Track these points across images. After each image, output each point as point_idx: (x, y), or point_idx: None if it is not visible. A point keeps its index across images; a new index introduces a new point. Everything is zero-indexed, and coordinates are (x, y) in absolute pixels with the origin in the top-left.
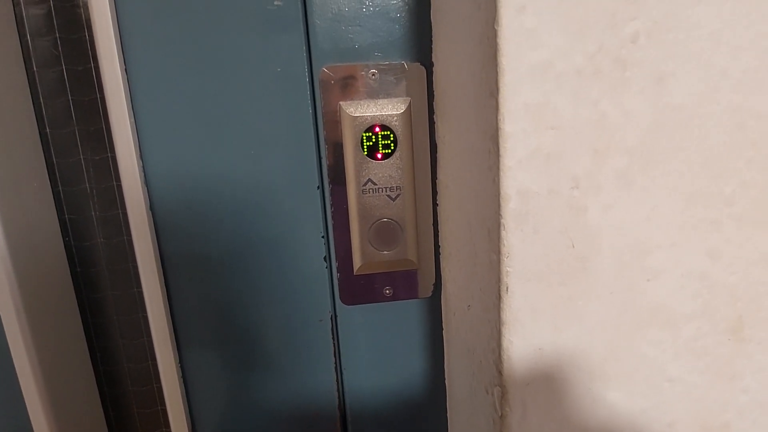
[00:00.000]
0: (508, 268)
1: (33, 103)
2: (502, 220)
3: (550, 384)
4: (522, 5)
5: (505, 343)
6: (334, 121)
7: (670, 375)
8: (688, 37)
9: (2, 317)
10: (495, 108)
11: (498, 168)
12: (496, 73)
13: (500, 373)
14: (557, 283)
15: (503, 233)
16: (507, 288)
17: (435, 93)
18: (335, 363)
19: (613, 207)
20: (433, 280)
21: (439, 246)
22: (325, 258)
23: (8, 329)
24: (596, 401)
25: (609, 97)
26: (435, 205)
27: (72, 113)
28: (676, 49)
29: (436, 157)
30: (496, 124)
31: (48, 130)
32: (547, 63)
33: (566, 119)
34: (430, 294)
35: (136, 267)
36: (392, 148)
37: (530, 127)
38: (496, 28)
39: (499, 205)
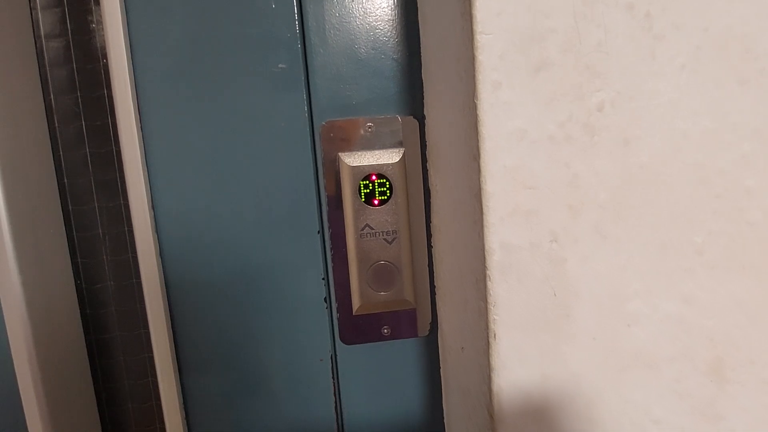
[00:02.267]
0: (495, 316)
1: (53, 154)
2: (488, 272)
3: (539, 428)
4: (498, 81)
5: (494, 387)
6: (333, 170)
7: (655, 417)
8: (649, 105)
9: (15, 360)
10: (477, 170)
11: (482, 224)
12: (477, 139)
13: (491, 417)
14: (542, 330)
15: (489, 284)
16: (495, 335)
17: (427, 144)
18: (335, 401)
19: (590, 258)
20: (430, 319)
21: (435, 287)
22: (325, 299)
23: (18, 367)
24: None
25: (580, 159)
26: (429, 247)
27: (89, 163)
28: (639, 115)
29: (429, 203)
30: (479, 184)
31: (66, 180)
32: (523, 131)
33: (542, 180)
34: (428, 333)
35: (143, 308)
36: (388, 194)
37: (509, 187)
38: (476, 101)
39: (484, 258)
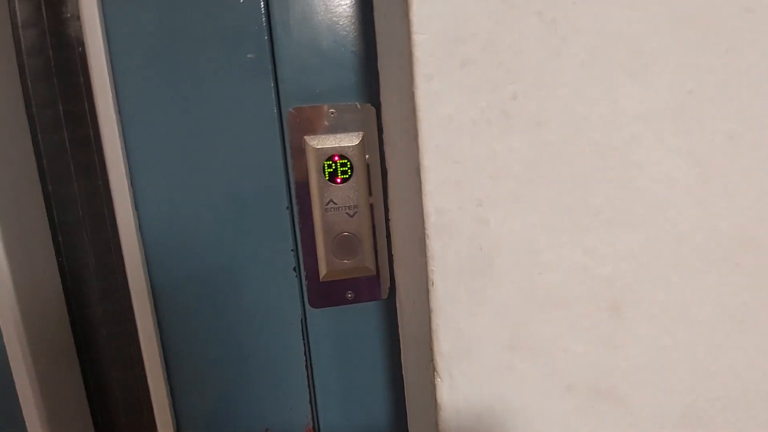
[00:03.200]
0: (432, 268)
1: (32, 138)
2: (426, 231)
3: (469, 357)
4: (430, 74)
5: (433, 326)
6: (299, 151)
7: (564, 346)
8: (555, 94)
9: (4, 335)
10: (417, 148)
11: (421, 192)
12: (416, 122)
13: (431, 350)
14: (470, 278)
15: (428, 241)
16: (432, 283)
17: (383, 128)
18: (305, 360)
19: (508, 218)
20: (389, 284)
21: (392, 254)
22: (294, 268)
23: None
24: (507, 369)
25: (498, 139)
26: (387, 220)
27: (67, 148)
28: (547, 103)
29: (386, 180)
30: (418, 160)
31: (45, 163)
32: (451, 116)
33: (467, 156)
34: (387, 296)
35: (124, 283)
36: (349, 173)
37: (441, 162)
38: (413, 90)
39: (423, 220)
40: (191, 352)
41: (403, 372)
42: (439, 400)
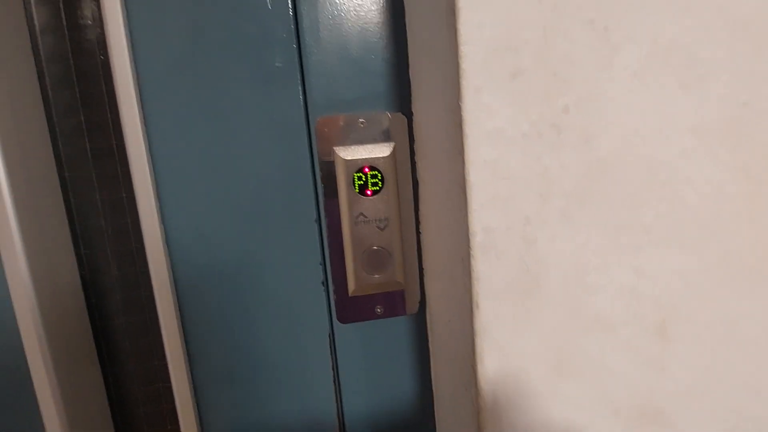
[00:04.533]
0: (477, 290)
1: (54, 148)
2: (471, 251)
3: (514, 380)
4: (479, 86)
5: (477, 349)
6: (328, 163)
7: (611, 369)
8: (606, 106)
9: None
10: (462, 163)
11: (466, 210)
12: (462, 137)
13: (475, 373)
14: (516, 300)
15: (473, 261)
16: (477, 305)
17: (415, 138)
18: (333, 375)
19: (556, 238)
20: (419, 299)
21: (423, 269)
22: (323, 282)
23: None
24: (553, 393)
25: (548, 153)
26: (418, 233)
27: (90, 159)
28: (598, 116)
29: (418, 193)
30: (463, 175)
31: (67, 173)
32: (500, 129)
33: (516, 171)
34: (416, 311)
35: (146, 296)
36: (380, 185)
37: (489, 178)
38: (460, 103)
39: (468, 239)
40: (217, 365)
41: (434, 389)
42: (482, 423)
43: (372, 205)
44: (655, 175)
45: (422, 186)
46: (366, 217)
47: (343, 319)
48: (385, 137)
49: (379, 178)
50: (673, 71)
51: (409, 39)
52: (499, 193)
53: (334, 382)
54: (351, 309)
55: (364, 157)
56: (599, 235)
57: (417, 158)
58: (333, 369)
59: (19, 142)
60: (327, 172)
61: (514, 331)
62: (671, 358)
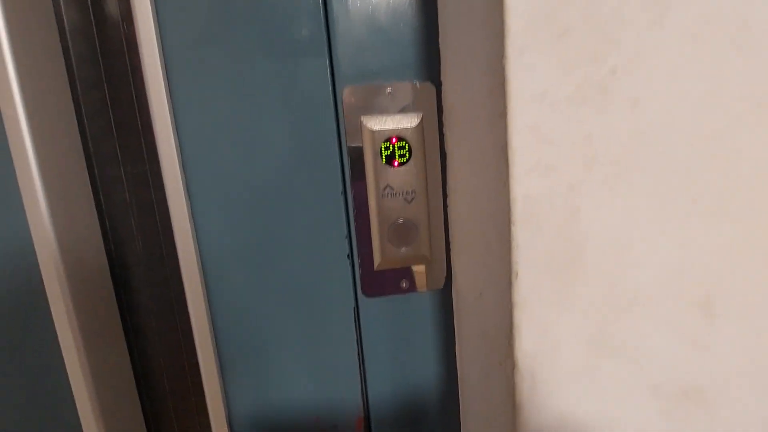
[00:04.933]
0: (517, 259)
1: (78, 122)
2: (512, 218)
3: (553, 355)
4: (524, 46)
5: (515, 322)
6: (355, 133)
7: (651, 346)
8: (656, 69)
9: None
10: (504, 127)
11: (507, 176)
12: (504, 98)
13: (512, 348)
14: (557, 271)
15: (513, 229)
16: (517, 275)
17: (444, 108)
18: (358, 350)
19: (600, 208)
20: (445, 273)
21: (450, 243)
22: (348, 255)
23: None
24: (591, 368)
25: (594, 118)
26: (445, 206)
27: (114, 131)
28: (647, 79)
29: (445, 165)
30: (506, 140)
31: (91, 146)
32: (544, 91)
33: (560, 137)
34: (442, 286)
35: (170, 270)
36: (407, 156)
37: (532, 143)
38: (503, 63)
39: (509, 207)
40: (242, 338)
41: (459, 367)
42: (518, 399)
43: (399, 177)
44: (705, 143)
45: (450, 157)
46: (393, 189)
47: (368, 293)
48: (413, 107)
49: (407, 149)
50: (727, 34)
51: (439, 4)
52: (542, 159)
53: (358, 356)
54: (376, 283)
55: (391, 127)
56: (644, 206)
57: (445, 129)
58: (357, 343)
59: (45, 120)
60: (354, 143)
61: (554, 304)
62: (715, 336)
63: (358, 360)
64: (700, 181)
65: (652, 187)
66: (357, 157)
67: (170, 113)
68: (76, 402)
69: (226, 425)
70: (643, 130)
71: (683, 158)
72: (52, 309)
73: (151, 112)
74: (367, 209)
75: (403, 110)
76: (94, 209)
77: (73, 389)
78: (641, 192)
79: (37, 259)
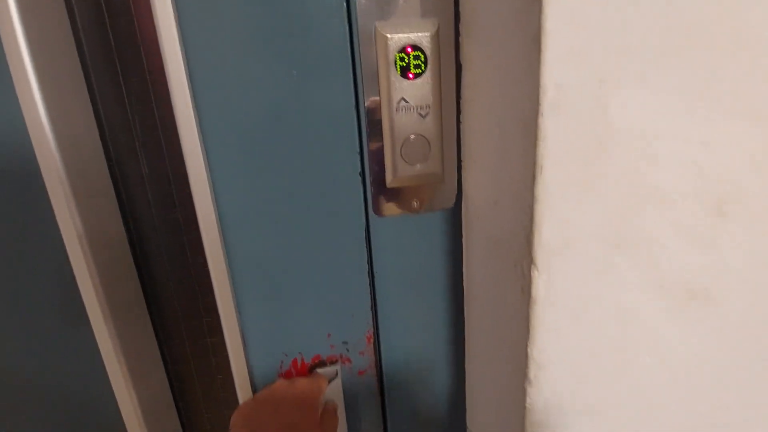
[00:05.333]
0: (543, 150)
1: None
2: (541, 108)
3: (570, 250)
4: None
5: (536, 218)
6: (369, 41)
7: (663, 243)
8: None
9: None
10: (539, 10)
11: (539, 62)
12: None
13: (530, 245)
14: (581, 166)
15: (540, 119)
16: (541, 168)
17: (462, 15)
18: (368, 268)
19: (629, 102)
20: (455, 192)
21: (462, 159)
22: (360, 173)
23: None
24: (606, 265)
25: (631, 5)
26: (458, 122)
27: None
28: None
29: (460, 77)
30: (539, 23)
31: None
32: None
33: (596, 22)
34: (452, 205)
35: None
36: (423, 68)
37: (567, 27)
38: None
39: (538, 96)
40: (254, 258)
41: (465, 278)
42: (534, 294)
43: (414, 90)
44: (739, 39)
45: (467, 68)
46: (407, 102)
47: (379, 212)
48: (430, 13)
49: (423, 59)
50: None
51: None
52: (575, 46)
53: (369, 275)
54: (388, 201)
55: (407, 35)
56: (672, 102)
57: (462, 38)
58: (368, 263)
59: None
60: (367, 51)
61: (576, 200)
62: (725, 238)
63: (368, 278)
64: (729, 77)
65: (682, 83)
66: (370, 66)
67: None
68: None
69: (241, 345)
70: (679, 23)
71: (716, 53)
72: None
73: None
74: (380, 123)
75: (419, 16)
76: (109, 177)
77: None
78: (672, 88)
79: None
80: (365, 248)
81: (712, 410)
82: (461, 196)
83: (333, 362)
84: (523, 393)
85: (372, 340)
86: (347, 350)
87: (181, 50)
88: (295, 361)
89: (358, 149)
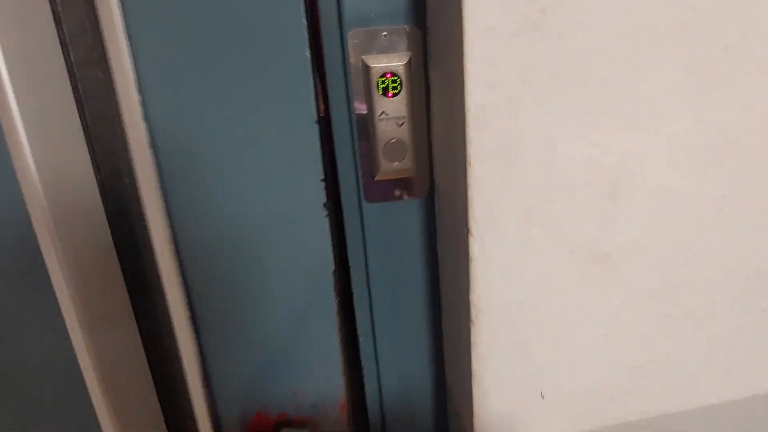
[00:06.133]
0: (470, 152)
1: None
2: (467, 121)
3: (496, 224)
4: None
5: (470, 197)
6: (358, 70)
7: (570, 220)
8: (577, 8)
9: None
10: (461, 55)
11: (463, 91)
12: (461, 34)
13: (467, 218)
14: (500, 163)
15: (467, 130)
16: (470, 164)
17: (428, 48)
18: (362, 241)
19: (533, 115)
20: (429, 184)
21: (432, 160)
22: (354, 168)
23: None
24: (525, 236)
25: (529, 46)
26: (428, 130)
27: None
28: (569, 16)
29: (428, 95)
30: (462, 65)
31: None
32: (491, 27)
33: (503, 61)
34: (426, 195)
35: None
36: (399, 89)
37: (482, 66)
38: (461, 5)
39: (464, 114)
40: (216, 295)
41: (439, 250)
42: (471, 255)
43: (392, 106)
44: (616, 67)
45: (433, 88)
46: (388, 115)
47: (370, 199)
48: (404, 48)
49: (399, 82)
50: None
51: None
52: (489, 78)
53: (362, 245)
54: (376, 191)
55: (386, 64)
56: (567, 114)
57: (430, 66)
58: (362, 239)
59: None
60: (357, 78)
61: (498, 187)
62: (619, 215)
63: (362, 248)
64: (611, 97)
65: (573, 101)
66: (360, 88)
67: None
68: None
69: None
70: (570, 55)
71: (598, 78)
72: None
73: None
74: (368, 131)
75: (395, 50)
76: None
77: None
78: (565, 105)
79: None
80: (359, 228)
81: (620, 356)
82: (434, 187)
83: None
84: (468, 332)
85: (345, 409)
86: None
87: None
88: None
89: (352, 151)
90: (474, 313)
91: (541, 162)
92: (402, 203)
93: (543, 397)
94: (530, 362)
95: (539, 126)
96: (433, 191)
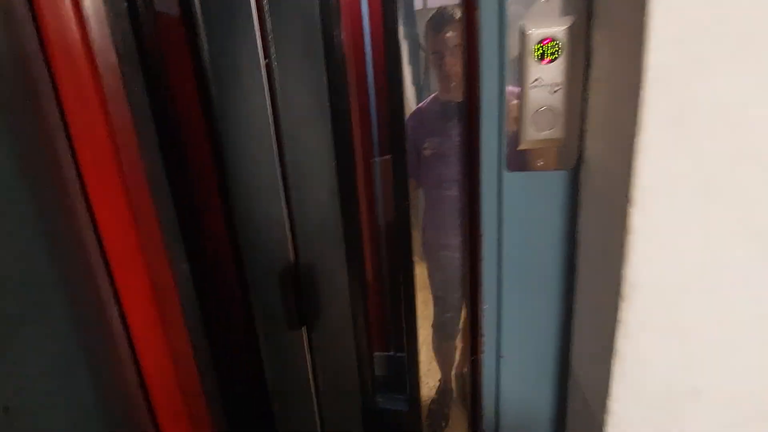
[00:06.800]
0: (643, 115)
1: None
2: (645, 77)
3: (667, 194)
4: None
5: (637, 164)
6: (516, 35)
7: (755, 198)
8: None
9: None
10: (646, 10)
11: (645, 48)
12: None
13: (629, 184)
14: (674, 127)
15: (642, 92)
16: (640, 128)
17: (595, 11)
18: (497, 210)
19: (719, 77)
20: (576, 155)
21: (584, 129)
22: (498, 135)
23: None
24: (698, 212)
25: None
26: (583, 98)
27: None
28: None
29: (589, 62)
30: (645, 19)
31: None
32: None
33: (691, 18)
34: (572, 166)
35: None
36: (557, 55)
37: (667, 22)
38: None
39: (641, 73)
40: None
41: (581, 219)
42: (629, 225)
43: (547, 72)
44: None
45: (597, 53)
46: (542, 81)
47: (511, 168)
48: (566, 12)
49: (557, 48)
50: None
51: None
52: (676, 34)
53: (497, 217)
54: (518, 160)
55: (545, 30)
56: (757, 75)
57: (595, 30)
58: (498, 210)
59: None
60: (513, 44)
61: (672, 156)
62: None
63: (497, 223)
64: None
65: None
66: (516, 54)
67: None
68: None
69: None
70: (760, 17)
71: None
72: None
73: None
74: (519, 98)
75: (556, 14)
76: None
77: None
78: (763, 63)
79: None
80: (496, 198)
81: None
82: (581, 160)
83: None
84: (615, 308)
85: None
86: None
87: None
88: None
89: (498, 117)
90: (626, 289)
91: (728, 129)
92: (543, 174)
93: (698, 394)
94: (688, 351)
95: (729, 89)
96: (579, 163)
